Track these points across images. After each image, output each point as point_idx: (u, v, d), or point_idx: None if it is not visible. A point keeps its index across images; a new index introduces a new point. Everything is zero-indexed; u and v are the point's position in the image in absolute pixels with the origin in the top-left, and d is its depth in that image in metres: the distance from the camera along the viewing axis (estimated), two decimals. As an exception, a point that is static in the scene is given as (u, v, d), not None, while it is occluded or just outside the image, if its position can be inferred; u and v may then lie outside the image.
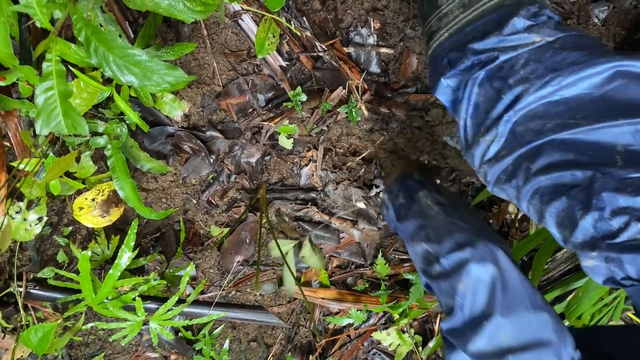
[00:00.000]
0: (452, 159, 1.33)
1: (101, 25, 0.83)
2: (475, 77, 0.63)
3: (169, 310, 1.26)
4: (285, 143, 1.32)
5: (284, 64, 1.25)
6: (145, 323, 1.28)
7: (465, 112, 0.65)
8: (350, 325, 1.54)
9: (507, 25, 0.62)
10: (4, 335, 1.29)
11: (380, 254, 1.45)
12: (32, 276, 1.26)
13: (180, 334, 1.48)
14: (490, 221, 1.44)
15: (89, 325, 1.28)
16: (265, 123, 1.28)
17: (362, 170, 1.40)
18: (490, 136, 0.61)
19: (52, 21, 0.77)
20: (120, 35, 0.89)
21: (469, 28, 0.66)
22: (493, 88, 0.62)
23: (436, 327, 1.58)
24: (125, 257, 1.14)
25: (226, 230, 1.39)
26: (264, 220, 1.33)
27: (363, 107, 1.25)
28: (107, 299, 1.19)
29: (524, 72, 0.59)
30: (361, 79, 1.23)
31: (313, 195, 1.41)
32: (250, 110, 1.30)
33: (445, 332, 0.66)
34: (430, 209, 0.81)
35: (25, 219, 1.07)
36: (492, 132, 0.61)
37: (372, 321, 1.57)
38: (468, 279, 0.65)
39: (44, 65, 0.70)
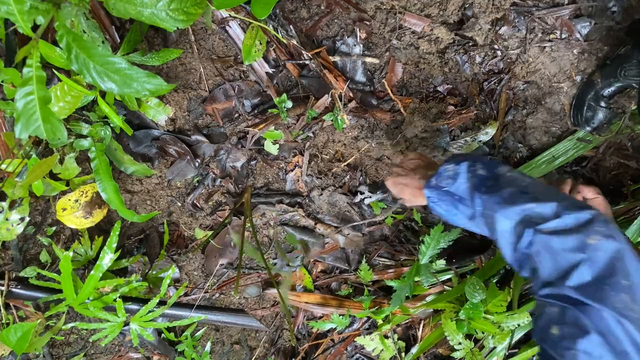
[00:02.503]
0: None
1: (85, 32, 0.84)
2: None
3: (149, 311, 1.26)
4: (271, 148, 1.34)
5: (270, 70, 1.27)
6: (127, 324, 1.29)
7: None
8: (334, 329, 1.55)
9: None
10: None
11: (364, 260, 1.46)
12: (14, 275, 1.27)
13: (163, 335, 1.48)
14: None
15: (70, 325, 1.28)
16: (251, 128, 1.29)
17: (348, 176, 1.41)
18: None
19: (36, 26, 0.78)
20: (103, 41, 0.90)
21: None
22: None
23: (419, 334, 1.59)
24: (107, 259, 1.15)
25: (210, 233, 1.40)
26: (248, 224, 1.34)
27: (345, 116, 1.27)
28: (88, 299, 1.19)
29: None
30: (345, 88, 1.25)
31: (298, 200, 1.42)
32: (236, 115, 1.31)
33: (573, 291, 0.67)
34: (521, 179, 0.83)
35: (7, 219, 1.07)
36: None
37: (355, 326, 1.58)
38: (597, 235, 0.69)
39: (25, 70, 0.71)
